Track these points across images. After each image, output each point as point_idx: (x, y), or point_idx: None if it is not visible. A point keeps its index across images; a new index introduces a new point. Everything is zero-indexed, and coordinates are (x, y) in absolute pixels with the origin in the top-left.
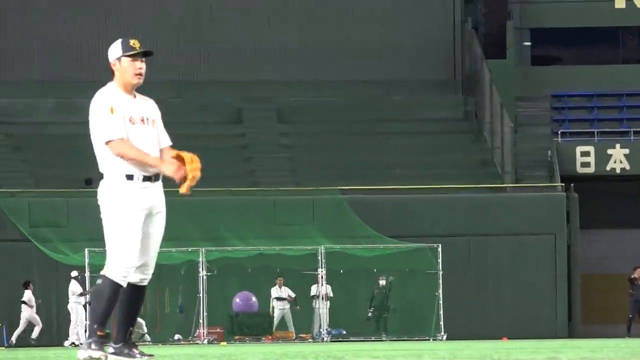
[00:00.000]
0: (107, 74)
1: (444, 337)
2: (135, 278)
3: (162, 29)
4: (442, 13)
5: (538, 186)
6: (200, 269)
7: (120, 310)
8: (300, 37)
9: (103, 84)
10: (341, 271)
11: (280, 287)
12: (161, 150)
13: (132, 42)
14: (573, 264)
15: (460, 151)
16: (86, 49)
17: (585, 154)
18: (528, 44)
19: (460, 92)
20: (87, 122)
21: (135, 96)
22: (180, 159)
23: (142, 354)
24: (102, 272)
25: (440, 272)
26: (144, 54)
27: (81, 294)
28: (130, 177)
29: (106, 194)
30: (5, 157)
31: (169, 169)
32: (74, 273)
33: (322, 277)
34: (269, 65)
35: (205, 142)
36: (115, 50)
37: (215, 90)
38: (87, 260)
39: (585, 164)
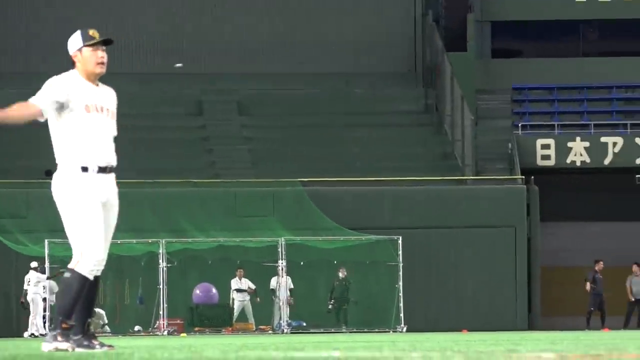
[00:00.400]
0: (65, 66)
1: (404, 329)
2: None
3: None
4: (403, 6)
5: (498, 179)
6: (161, 261)
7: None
8: (262, 29)
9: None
10: (301, 263)
11: (240, 279)
12: None
13: (91, 32)
14: (533, 257)
15: (421, 144)
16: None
17: (545, 146)
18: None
19: (421, 84)
20: None
21: (97, 85)
22: None
23: (101, 344)
24: (69, 266)
25: (401, 265)
26: (104, 43)
27: (48, 278)
28: (85, 168)
29: (63, 186)
30: None
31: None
32: (34, 264)
33: (282, 269)
34: (229, 57)
35: (166, 133)
36: (75, 41)
37: (175, 82)
38: (47, 252)
39: (546, 157)
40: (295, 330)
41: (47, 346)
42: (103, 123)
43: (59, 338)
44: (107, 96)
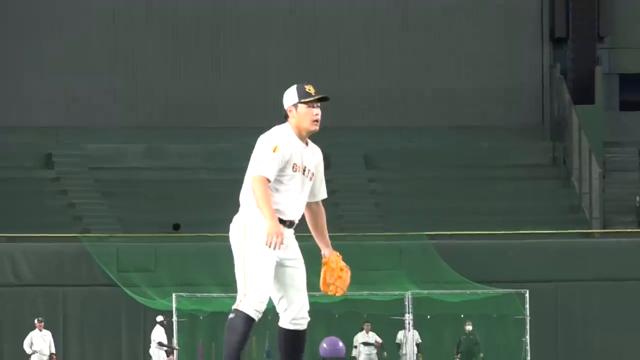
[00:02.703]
0: (196, 118)
1: None
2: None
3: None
4: (530, 58)
5: (627, 232)
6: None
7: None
8: (389, 82)
9: (189, 129)
10: (428, 317)
11: (367, 332)
12: (314, 203)
13: (307, 87)
14: None
15: (548, 197)
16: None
17: None
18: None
19: (549, 137)
20: (176, 168)
21: (307, 144)
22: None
23: None
24: (234, 307)
25: (528, 318)
26: (320, 99)
27: (160, 344)
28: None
29: (241, 225)
30: (94, 202)
31: (271, 229)
32: (159, 318)
33: (409, 323)
34: (356, 111)
35: None
36: (290, 96)
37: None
38: (174, 305)
39: None
40: None
41: None
42: (301, 184)
43: None
44: (313, 157)
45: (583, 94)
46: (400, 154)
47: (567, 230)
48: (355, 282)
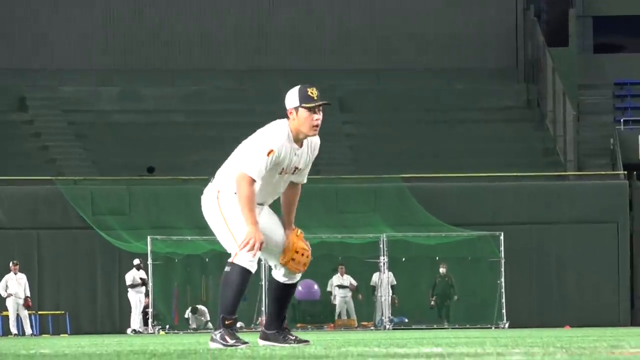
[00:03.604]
0: (168, 62)
1: (506, 325)
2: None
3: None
4: (504, 1)
5: (600, 174)
6: (262, 257)
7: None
8: (363, 25)
9: (165, 73)
10: (403, 259)
11: (342, 275)
12: (292, 185)
13: (310, 91)
14: (636, 252)
15: (522, 140)
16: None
17: None
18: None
19: (523, 80)
20: (150, 111)
21: (301, 145)
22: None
23: (297, 340)
24: (229, 260)
25: (503, 260)
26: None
27: (132, 285)
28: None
29: (214, 194)
30: (69, 145)
31: (249, 234)
32: (136, 261)
33: (384, 265)
34: (330, 54)
35: None
36: (292, 98)
37: (276, 79)
38: (149, 248)
39: None
40: (397, 326)
41: (213, 345)
42: (282, 180)
43: (228, 340)
44: (307, 154)
45: (557, 36)
46: (375, 96)
47: (541, 172)
48: (330, 225)
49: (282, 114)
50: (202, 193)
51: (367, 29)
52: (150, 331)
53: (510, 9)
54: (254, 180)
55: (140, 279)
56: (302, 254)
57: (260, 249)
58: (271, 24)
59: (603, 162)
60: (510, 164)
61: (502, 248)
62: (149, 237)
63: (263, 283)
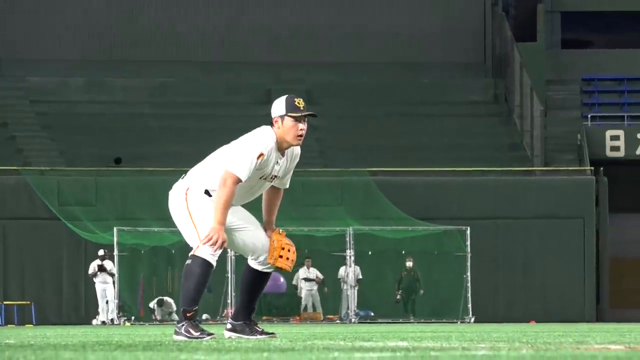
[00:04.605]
0: (135, 53)
1: (472, 320)
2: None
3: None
4: None
5: (567, 170)
6: (229, 249)
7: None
8: (330, 19)
9: (133, 64)
10: (369, 253)
11: (308, 269)
12: (274, 188)
13: (297, 101)
14: (602, 248)
15: (489, 134)
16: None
17: (615, 137)
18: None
19: (490, 75)
20: (117, 102)
21: (284, 154)
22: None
23: (263, 332)
24: (190, 254)
25: (469, 255)
26: (307, 116)
27: (93, 275)
28: (208, 193)
29: (182, 190)
30: (36, 136)
31: (214, 231)
32: (101, 252)
33: (350, 259)
34: (298, 46)
35: (233, 122)
36: (278, 107)
37: (244, 72)
38: (115, 239)
39: (615, 148)
40: (363, 320)
41: (178, 337)
42: (259, 186)
43: (192, 332)
44: (286, 163)
45: (525, 31)
46: (342, 90)
47: (508, 167)
48: (296, 218)
49: (249, 107)
50: (169, 185)
51: (334, 22)
52: (116, 322)
53: (479, 4)
54: (239, 181)
55: (106, 269)
56: (289, 250)
57: (221, 248)
58: (239, 16)
59: (570, 157)
60: (477, 158)
61: (468, 243)
62: (115, 228)
63: (229, 275)
